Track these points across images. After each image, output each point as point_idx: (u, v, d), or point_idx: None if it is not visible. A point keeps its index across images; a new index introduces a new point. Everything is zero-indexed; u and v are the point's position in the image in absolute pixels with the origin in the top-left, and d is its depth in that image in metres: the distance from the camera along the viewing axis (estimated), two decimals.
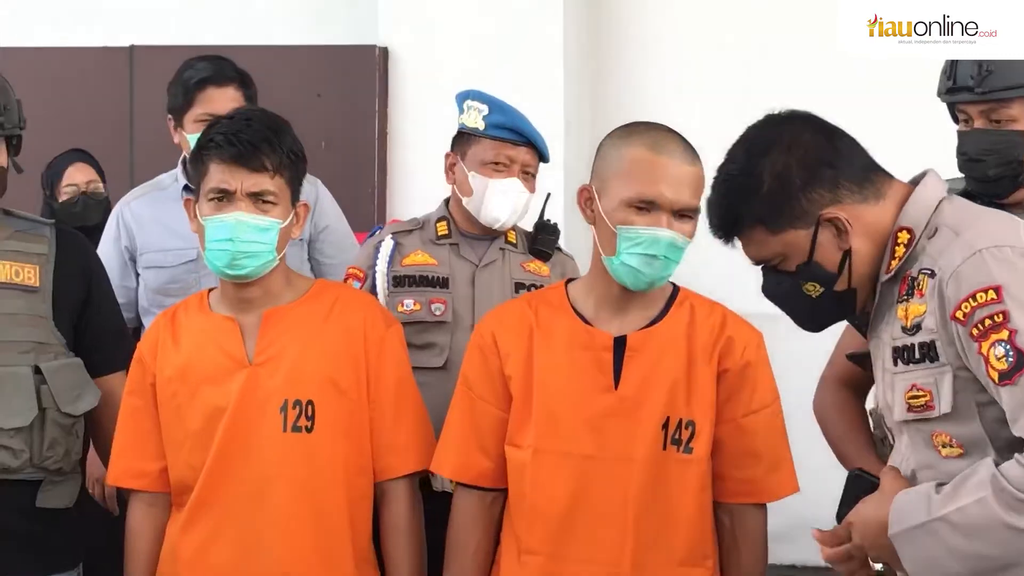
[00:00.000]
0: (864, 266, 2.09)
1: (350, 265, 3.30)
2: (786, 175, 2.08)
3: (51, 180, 4.47)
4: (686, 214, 2.44)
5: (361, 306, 2.74)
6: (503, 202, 3.14)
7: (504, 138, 3.15)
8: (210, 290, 2.74)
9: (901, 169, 2.19)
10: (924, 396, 1.99)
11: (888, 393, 2.09)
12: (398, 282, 3.17)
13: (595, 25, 5.79)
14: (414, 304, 3.13)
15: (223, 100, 3.45)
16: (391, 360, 2.70)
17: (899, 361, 2.03)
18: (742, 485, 2.52)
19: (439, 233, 3.21)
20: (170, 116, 3.57)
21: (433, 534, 2.69)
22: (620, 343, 2.49)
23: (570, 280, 2.64)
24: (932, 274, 1.97)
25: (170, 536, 2.66)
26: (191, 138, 3.28)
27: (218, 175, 2.56)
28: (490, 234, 3.22)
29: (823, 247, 2.08)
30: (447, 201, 3.30)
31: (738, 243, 2.19)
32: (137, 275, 3.60)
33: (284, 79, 5.12)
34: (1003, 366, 1.85)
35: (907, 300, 2.02)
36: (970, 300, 1.90)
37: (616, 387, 2.47)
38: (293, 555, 2.59)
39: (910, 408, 2.02)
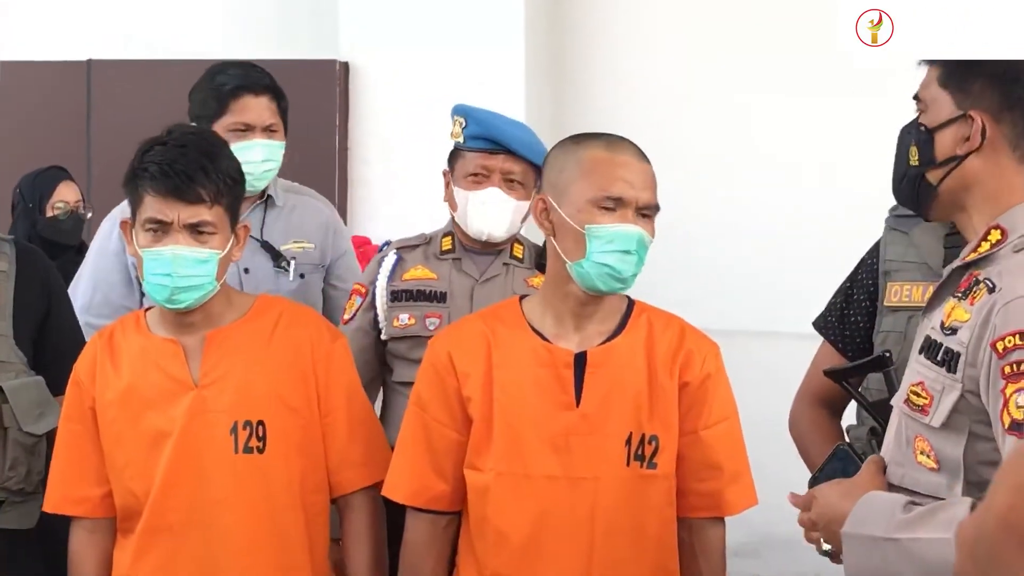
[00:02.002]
0: (959, 187, 1.98)
1: (355, 282, 3.26)
2: (1000, 61, 1.95)
3: (38, 195, 4.46)
4: (647, 213, 2.43)
5: (305, 321, 2.69)
6: (485, 213, 3.08)
7: (480, 148, 3.09)
8: (146, 309, 2.68)
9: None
10: (924, 399, 1.92)
11: (907, 373, 2.01)
12: (396, 296, 3.13)
13: (557, 42, 5.80)
14: (409, 319, 3.09)
15: (258, 110, 3.30)
16: (340, 374, 2.66)
17: (923, 352, 1.96)
18: (702, 499, 2.50)
19: (443, 248, 3.16)
20: (193, 124, 3.33)
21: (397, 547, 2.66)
22: (580, 359, 2.46)
23: (523, 297, 2.60)
24: (992, 289, 1.87)
25: (121, 565, 2.60)
26: None
27: (153, 206, 2.49)
28: (494, 249, 3.16)
29: (949, 133, 1.98)
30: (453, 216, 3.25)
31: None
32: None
33: None
34: (1019, 416, 1.76)
35: (960, 299, 1.92)
36: (1016, 337, 1.80)
37: (578, 404, 2.44)
38: None
39: (907, 401, 1.96)
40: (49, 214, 4.42)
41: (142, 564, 2.57)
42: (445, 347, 2.53)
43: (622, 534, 2.43)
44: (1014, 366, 1.78)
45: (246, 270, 3.32)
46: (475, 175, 3.09)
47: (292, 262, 3.38)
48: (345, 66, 5.46)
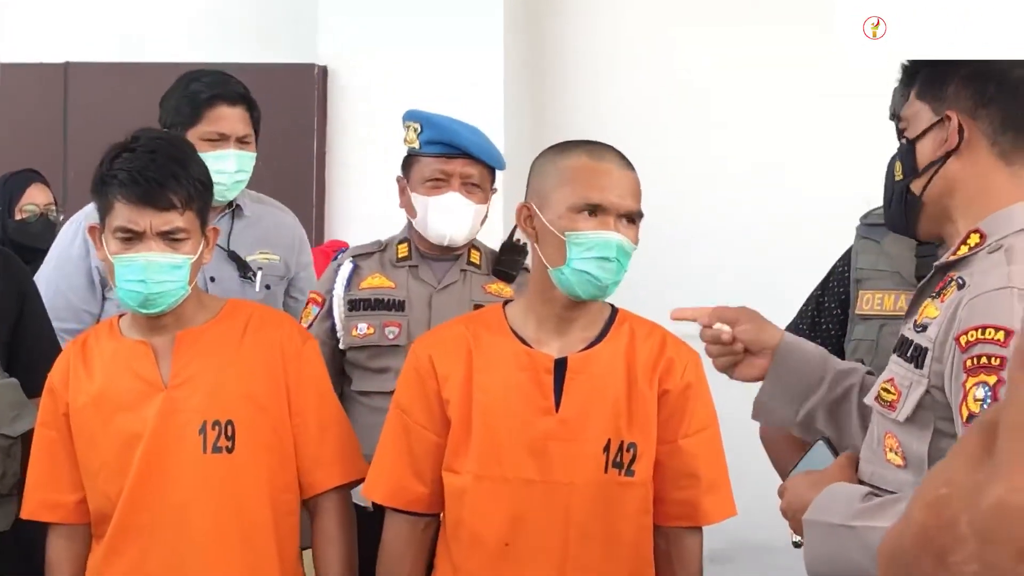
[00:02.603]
0: (941, 192, 1.98)
1: (311, 290, 3.25)
2: (971, 62, 1.95)
3: (7, 198, 4.43)
4: (631, 219, 2.44)
5: (276, 323, 2.70)
6: (445, 219, 3.08)
7: (438, 153, 3.09)
8: (120, 315, 2.68)
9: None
10: (893, 395, 1.93)
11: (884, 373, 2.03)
12: (353, 306, 3.11)
13: (537, 47, 5.80)
14: (368, 328, 3.08)
15: (233, 120, 3.28)
16: (310, 374, 2.66)
17: (896, 350, 1.97)
18: (680, 508, 2.50)
19: (399, 255, 3.14)
20: (166, 131, 3.32)
21: (366, 550, 2.66)
22: (560, 365, 2.46)
23: (507, 302, 2.61)
24: (961, 286, 1.88)
25: (93, 568, 2.60)
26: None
27: (124, 214, 2.48)
28: (451, 255, 3.16)
29: (928, 139, 1.98)
30: (411, 223, 3.26)
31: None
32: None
33: None
34: (976, 409, 1.76)
35: (933, 298, 1.93)
36: (978, 331, 1.79)
37: (557, 410, 2.44)
38: None
39: (878, 397, 1.96)
40: (18, 217, 4.39)
41: (112, 565, 2.57)
42: (427, 350, 2.54)
43: (597, 540, 2.43)
44: (975, 359, 1.78)
45: (212, 279, 3.30)
46: (434, 180, 3.08)
47: (259, 272, 3.37)
48: (324, 70, 5.45)
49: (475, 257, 3.18)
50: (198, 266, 2.57)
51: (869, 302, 2.61)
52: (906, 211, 2.04)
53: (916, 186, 2.01)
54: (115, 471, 2.55)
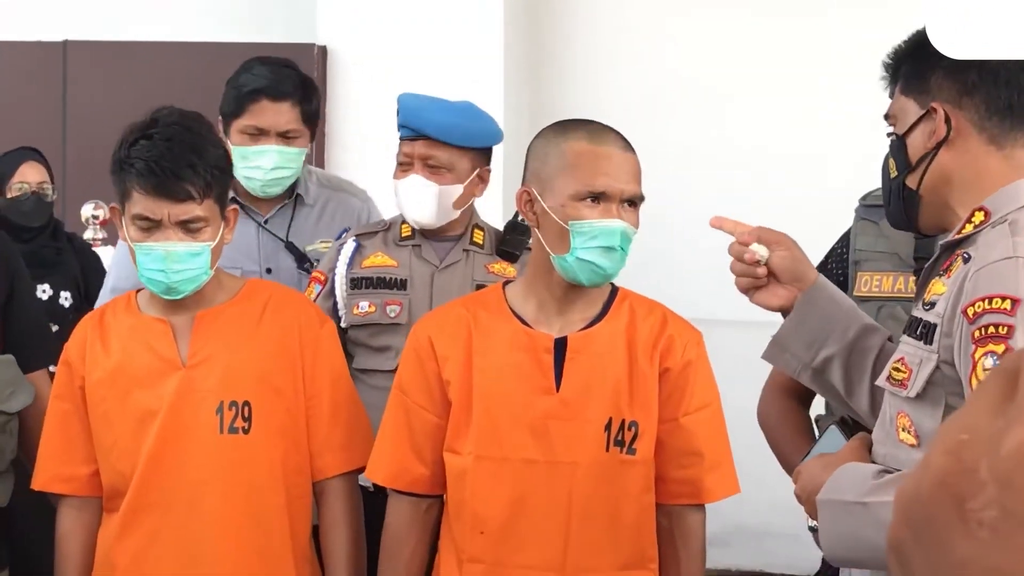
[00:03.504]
0: (937, 183, 1.99)
1: (315, 269, 3.23)
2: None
3: (0, 175, 4.40)
4: (632, 203, 2.43)
5: (294, 305, 2.70)
6: (410, 202, 3.06)
7: (404, 136, 3.09)
8: (138, 291, 2.68)
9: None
10: (904, 373, 1.93)
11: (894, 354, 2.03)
12: (355, 284, 3.10)
13: (536, 25, 5.79)
14: (369, 306, 3.07)
15: (275, 116, 3.22)
16: (327, 358, 2.67)
17: (906, 330, 1.97)
18: (682, 486, 2.51)
19: (403, 234, 3.13)
20: (220, 117, 3.28)
21: (374, 533, 2.66)
22: (560, 345, 2.46)
23: (507, 282, 2.60)
24: (967, 259, 1.88)
25: (104, 543, 2.61)
26: (235, 150, 3.12)
27: (142, 203, 2.49)
28: (453, 235, 3.14)
29: (918, 133, 2.00)
30: None
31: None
32: None
33: (221, 77, 5.06)
34: None
35: (940, 276, 1.93)
36: (985, 301, 1.80)
37: (558, 389, 2.44)
38: (233, 558, 2.55)
39: (889, 378, 1.96)
40: (9, 195, 4.37)
41: (125, 542, 2.57)
42: (426, 331, 2.54)
43: (599, 519, 2.44)
44: (983, 330, 1.79)
45: (268, 270, 3.29)
46: (401, 164, 3.09)
47: (317, 263, 3.31)
48: (323, 50, 5.43)
49: (478, 237, 3.16)
50: (219, 249, 2.57)
51: (868, 283, 2.61)
52: (906, 207, 2.05)
53: (912, 181, 2.02)
54: (129, 447, 2.56)
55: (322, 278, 3.15)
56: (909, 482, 0.79)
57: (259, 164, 3.21)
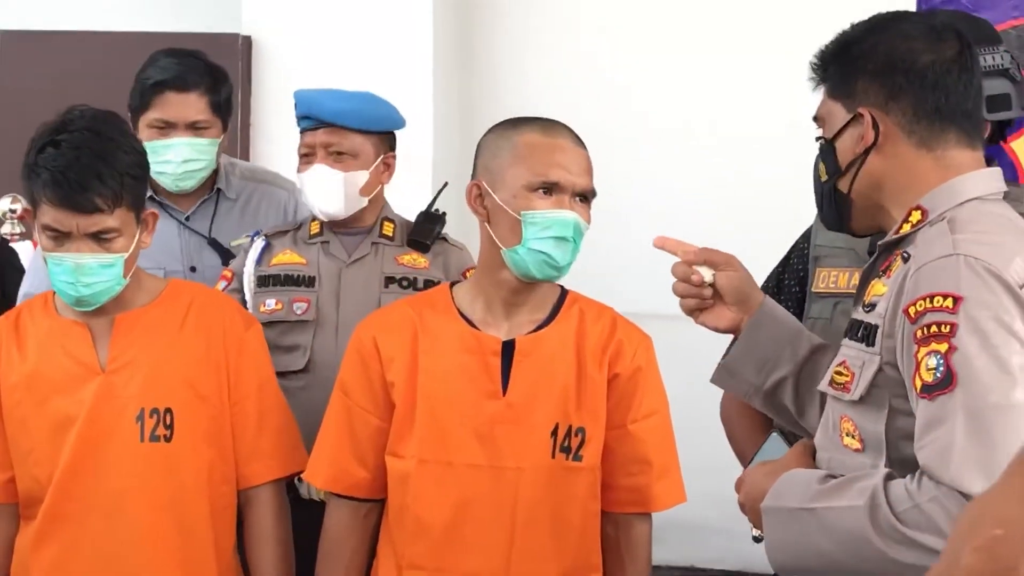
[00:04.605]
0: (868, 187, 1.98)
1: (224, 268, 3.17)
2: (868, 53, 1.96)
3: None
4: (584, 198, 2.40)
5: (219, 307, 2.63)
6: (316, 193, 3.01)
7: (304, 128, 3.05)
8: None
9: None
10: (846, 376, 1.92)
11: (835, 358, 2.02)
12: (262, 282, 3.05)
13: (466, 17, 5.74)
14: (276, 304, 3.01)
15: (182, 108, 3.17)
16: (252, 362, 2.60)
17: (847, 333, 1.96)
18: (629, 494, 2.47)
19: (312, 232, 3.09)
20: (129, 113, 3.22)
21: (300, 543, 2.61)
22: (508, 347, 2.41)
23: (455, 283, 2.55)
24: (907, 259, 1.88)
25: (21, 552, 2.54)
26: (145, 146, 2.97)
27: (50, 214, 2.40)
28: (361, 228, 3.10)
29: (846, 137, 1.98)
30: None
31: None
32: None
33: None
34: (929, 379, 1.76)
35: (880, 277, 1.93)
36: (926, 300, 1.79)
37: (504, 393, 2.40)
38: (154, 570, 2.50)
39: (832, 382, 1.95)
40: None
41: (42, 551, 2.51)
42: (371, 332, 2.49)
43: (544, 525, 2.40)
44: (925, 329, 1.78)
45: (192, 269, 3.24)
46: (304, 156, 3.05)
47: None
48: (248, 40, 5.35)
49: (388, 229, 3.12)
50: (135, 256, 2.49)
51: (825, 280, 2.59)
52: (838, 210, 2.04)
53: (843, 184, 2.01)
54: (46, 454, 2.48)
55: (229, 275, 3.09)
56: None
57: (169, 158, 3.16)
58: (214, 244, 3.27)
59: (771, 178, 4.97)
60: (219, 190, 3.32)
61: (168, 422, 2.49)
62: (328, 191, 3.01)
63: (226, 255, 3.25)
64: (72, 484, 2.47)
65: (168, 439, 2.49)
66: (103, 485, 2.47)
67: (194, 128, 3.19)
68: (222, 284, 3.07)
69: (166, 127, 3.17)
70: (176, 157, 3.17)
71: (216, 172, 3.30)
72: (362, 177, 3.03)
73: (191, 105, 3.18)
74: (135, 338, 2.52)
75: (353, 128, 3.01)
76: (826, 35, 2.06)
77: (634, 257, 5.08)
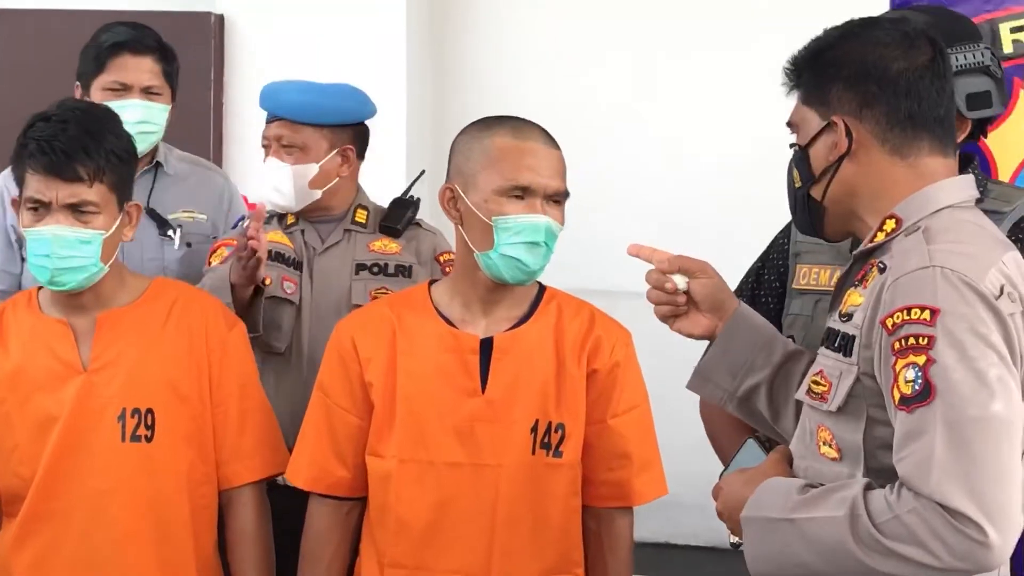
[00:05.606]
0: (842, 195, 1.98)
1: (225, 238, 3.15)
2: (841, 60, 1.95)
3: None
4: (557, 199, 2.39)
5: (202, 307, 2.62)
6: (265, 184, 3.04)
7: (267, 120, 3.10)
8: (40, 287, 2.58)
9: None
10: (823, 386, 1.92)
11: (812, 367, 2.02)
12: None
13: (440, 8, 5.74)
14: (265, 278, 2.99)
15: (137, 71, 3.22)
16: (235, 363, 2.59)
17: (824, 342, 1.96)
18: (611, 488, 2.48)
19: (288, 222, 3.10)
20: (78, 82, 3.28)
21: (281, 530, 2.62)
22: (487, 345, 2.41)
23: (433, 282, 2.55)
24: (883, 269, 1.88)
25: (1, 550, 2.53)
26: None
27: (33, 185, 2.42)
28: (333, 216, 3.10)
29: (820, 145, 1.98)
30: None
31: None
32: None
33: None
34: (907, 391, 1.77)
35: (856, 286, 1.93)
36: (904, 312, 1.79)
37: (483, 391, 2.40)
38: (134, 569, 2.50)
39: (809, 391, 1.96)
40: None
41: (22, 554, 2.51)
42: (349, 332, 2.49)
43: (525, 523, 2.41)
44: (903, 341, 1.79)
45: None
46: (264, 147, 3.08)
47: (178, 230, 3.29)
48: (220, 19, 5.33)
49: (361, 216, 3.13)
50: (114, 242, 2.48)
51: (806, 276, 2.58)
52: (811, 216, 2.04)
53: (816, 192, 2.01)
54: (29, 452, 2.48)
55: (233, 243, 3.06)
56: None
57: (125, 118, 3.13)
58: (151, 213, 3.27)
59: (750, 173, 4.97)
60: (158, 163, 3.35)
61: (149, 422, 2.49)
62: (276, 184, 3.03)
63: (163, 225, 3.28)
64: (54, 483, 2.47)
65: (149, 439, 2.49)
66: (84, 485, 2.47)
67: (148, 93, 3.24)
68: (226, 249, 3.06)
69: (122, 89, 3.21)
70: (131, 118, 3.11)
71: (156, 148, 3.34)
72: (310, 170, 3.03)
73: (146, 69, 3.24)
74: (117, 337, 2.51)
75: (303, 122, 3.03)
76: (808, 33, 2.06)
77: (595, 236, 5.12)
